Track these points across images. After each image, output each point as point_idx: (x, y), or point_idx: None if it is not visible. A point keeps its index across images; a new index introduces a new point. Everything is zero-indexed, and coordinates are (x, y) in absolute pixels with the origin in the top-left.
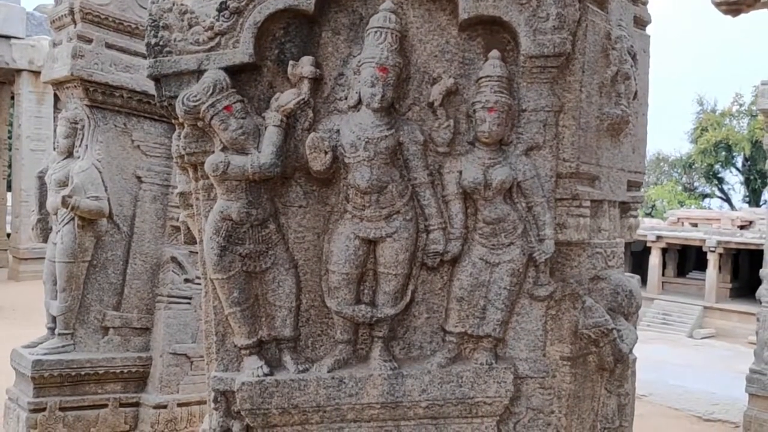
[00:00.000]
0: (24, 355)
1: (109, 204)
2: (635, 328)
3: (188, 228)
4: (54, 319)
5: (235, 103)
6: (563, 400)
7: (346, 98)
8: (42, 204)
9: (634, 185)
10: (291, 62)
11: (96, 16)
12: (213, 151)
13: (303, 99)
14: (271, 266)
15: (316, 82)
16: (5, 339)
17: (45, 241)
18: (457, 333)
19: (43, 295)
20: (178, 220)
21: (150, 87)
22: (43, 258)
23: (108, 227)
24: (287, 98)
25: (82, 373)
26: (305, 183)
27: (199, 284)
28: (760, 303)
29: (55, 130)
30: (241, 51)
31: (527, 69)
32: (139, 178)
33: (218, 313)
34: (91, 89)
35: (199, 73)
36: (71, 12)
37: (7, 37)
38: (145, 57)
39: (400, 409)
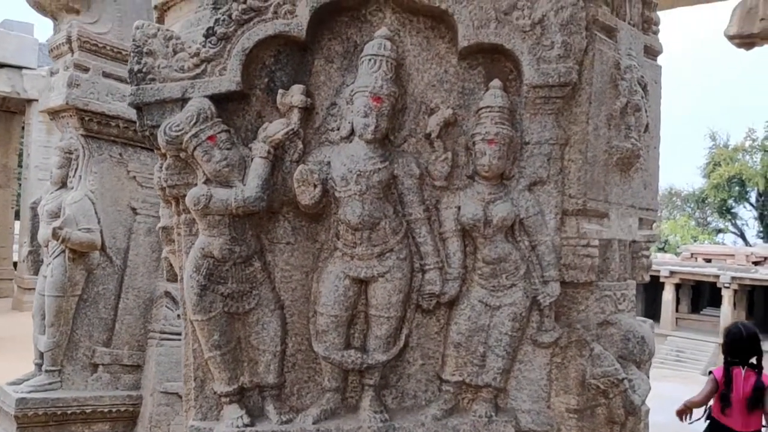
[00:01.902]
0: (8, 392)
1: (102, 236)
2: (648, 375)
3: (171, 265)
4: (41, 355)
5: (219, 133)
6: None
7: (338, 129)
8: (34, 235)
9: (645, 223)
10: (280, 91)
11: (94, 45)
12: (196, 184)
13: (292, 129)
14: (255, 307)
15: (307, 111)
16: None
17: (36, 273)
18: (455, 382)
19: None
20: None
21: None
22: None
23: (100, 260)
24: (275, 128)
25: (69, 412)
26: (294, 218)
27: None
28: None
29: None
30: (228, 79)
31: (530, 99)
32: (134, 209)
33: (198, 357)
34: (86, 119)
35: (183, 101)
36: (69, 40)
37: (19, 68)
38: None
39: None
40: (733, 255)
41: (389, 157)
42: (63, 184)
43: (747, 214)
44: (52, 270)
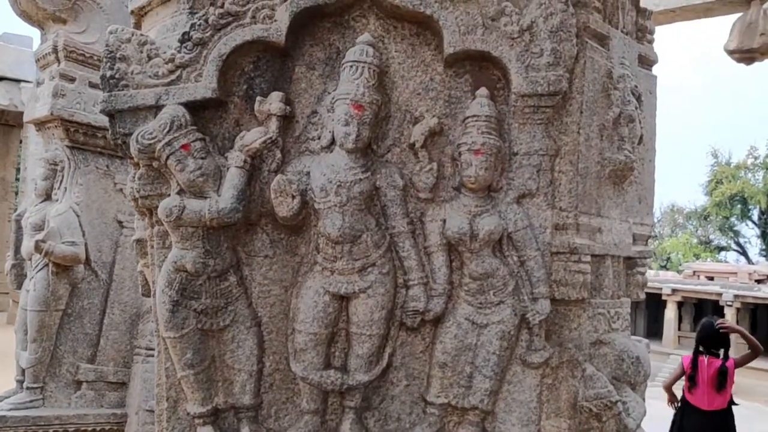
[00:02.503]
0: None
1: (87, 250)
2: (643, 398)
3: (146, 279)
4: (23, 371)
5: (194, 141)
6: None
7: (318, 138)
8: (17, 248)
9: (640, 238)
10: (259, 98)
11: (80, 55)
12: (169, 194)
13: (270, 138)
14: (231, 324)
15: (287, 120)
16: None
17: (19, 287)
18: (440, 404)
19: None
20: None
21: None
22: None
23: (85, 274)
24: (253, 137)
25: (50, 431)
26: (272, 230)
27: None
28: None
29: None
30: (204, 85)
31: (519, 109)
32: (120, 222)
33: (170, 376)
34: (72, 129)
35: (157, 108)
36: (55, 50)
37: (17, 81)
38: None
39: None
40: (735, 273)
41: (371, 168)
42: (48, 197)
43: (749, 231)
44: (35, 284)
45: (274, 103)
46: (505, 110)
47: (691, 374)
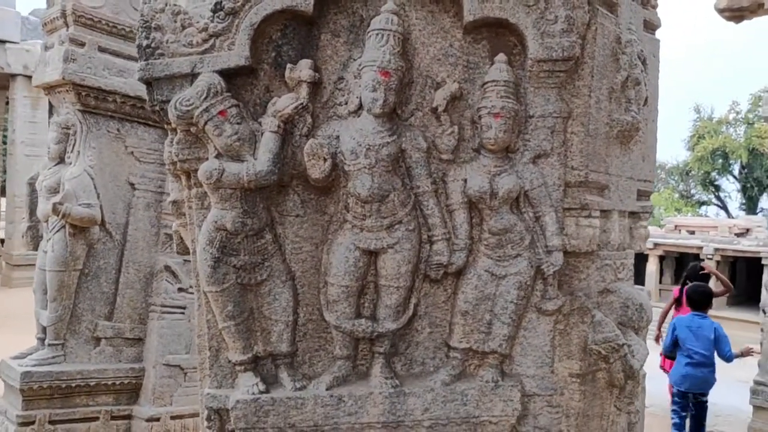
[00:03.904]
0: (12, 366)
1: (102, 211)
2: (645, 341)
3: (181, 238)
4: (44, 329)
5: (230, 107)
6: (572, 419)
7: (345, 103)
8: (33, 211)
9: (643, 194)
10: (289, 65)
11: (89, 19)
12: (207, 158)
13: (301, 104)
14: (267, 278)
15: (315, 86)
16: None
17: (36, 249)
18: (462, 349)
19: (33, 304)
20: (172, 228)
21: (145, 92)
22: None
23: (100, 235)
24: (285, 103)
25: (73, 385)
26: (303, 191)
27: (194, 294)
28: (764, 313)
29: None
30: (237, 53)
31: (535, 73)
32: (132, 185)
33: (212, 327)
34: (83, 94)
35: (192, 76)
36: (63, 14)
37: (2, 42)
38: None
39: (402, 429)
40: (716, 227)
41: (397, 131)
42: (61, 160)
43: (730, 186)
44: (53, 245)
45: (303, 70)
46: (522, 75)
47: (677, 298)
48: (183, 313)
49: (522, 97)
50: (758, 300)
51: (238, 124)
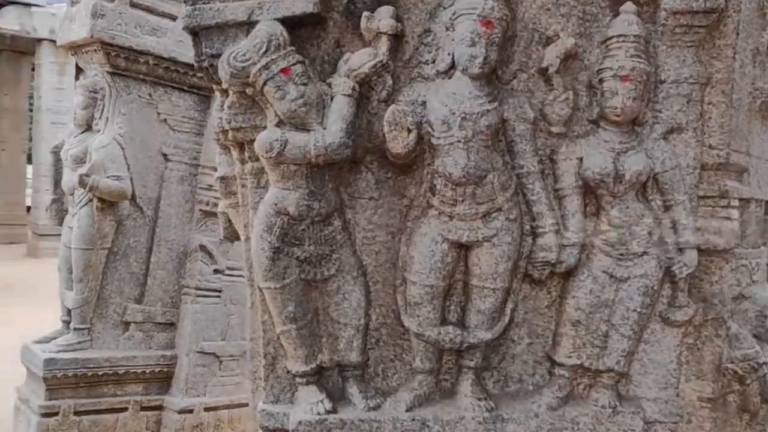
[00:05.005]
0: (35, 352)
1: (132, 185)
2: None
3: (229, 221)
4: (69, 311)
5: (294, 64)
6: None
7: (433, 61)
8: (57, 183)
9: None
10: (365, 14)
11: None
12: (265, 126)
13: (380, 61)
14: (336, 273)
15: (396, 39)
16: (17, 322)
17: (60, 223)
18: (570, 365)
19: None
20: (207, 204)
21: (179, 53)
22: None
23: (130, 210)
24: (360, 60)
25: (100, 373)
26: (378, 169)
27: (230, 275)
28: None
29: None
30: None
31: (669, 28)
32: (165, 155)
33: (268, 331)
34: (112, 54)
35: (248, 25)
36: None
37: (27, 5)
38: (173, 19)
39: None
40: None
41: (498, 97)
42: (88, 127)
43: None
44: (79, 220)
45: (384, 19)
46: (651, 30)
47: None
48: (219, 296)
49: (652, 57)
50: None
51: (303, 85)
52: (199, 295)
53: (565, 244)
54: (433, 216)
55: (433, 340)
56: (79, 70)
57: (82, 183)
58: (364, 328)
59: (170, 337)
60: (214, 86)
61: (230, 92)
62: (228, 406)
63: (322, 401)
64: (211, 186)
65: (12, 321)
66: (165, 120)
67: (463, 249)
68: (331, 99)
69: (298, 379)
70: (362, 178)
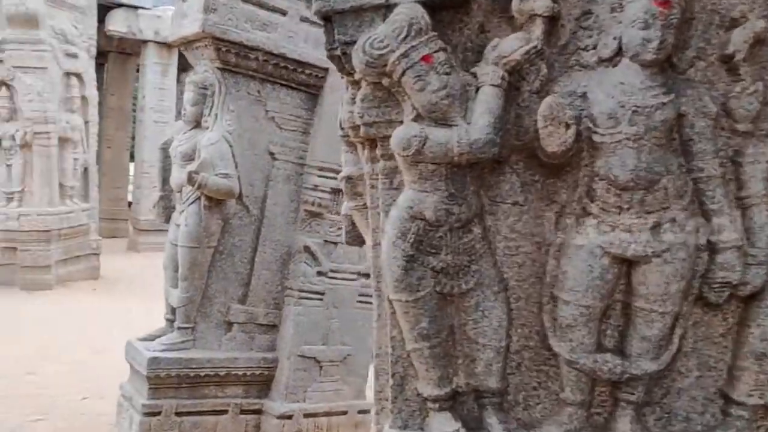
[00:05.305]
0: (140, 350)
1: (239, 183)
2: None
3: (352, 224)
4: (173, 310)
5: (437, 51)
6: None
7: (594, 47)
8: (165, 180)
9: None
10: None
11: None
12: (400, 122)
13: (535, 47)
14: (474, 287)
15: (551, 23)
16: (118, 314)
17: (167, 221)
18: (752, 405)
19: (160, 269)
20: (312, 204)
21: (289, 49)
22: (163, 230)
23: (237, 209)
24: (511, 46)
25: (202, 374)
26: (524, 170)
27: (333, 278)
28: None
29: (177, 101)
30: None
31: None
32: (272, 154)
33: (397, 348)
34: (223, 49)
35: (386, 8)
36: None
37: (135, 8)
38: (283, 14)
39: None
40: None
41: (674, 88)
42: (197, 123)
43: None
44: (186, 218)
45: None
46: None
47: None
48: (321, 299)
49: None
50: None
51: (446, 74)
52: (301, 297)
53: (750, 263)
54: (591, 225)
55: (587, 369)
56: (180, 71)
57: (190, 180)
58: (505, 351)
59: (271, 339)
60: (345, 78)
61: (363, 83)
62: (327, 414)
63: (458, 431)
64: (316, 186)
65: (115, 314)
66: (273, 118)
67: (625, 265)
68: (476, 90)
69: (429, 404)
70: (506, 180)
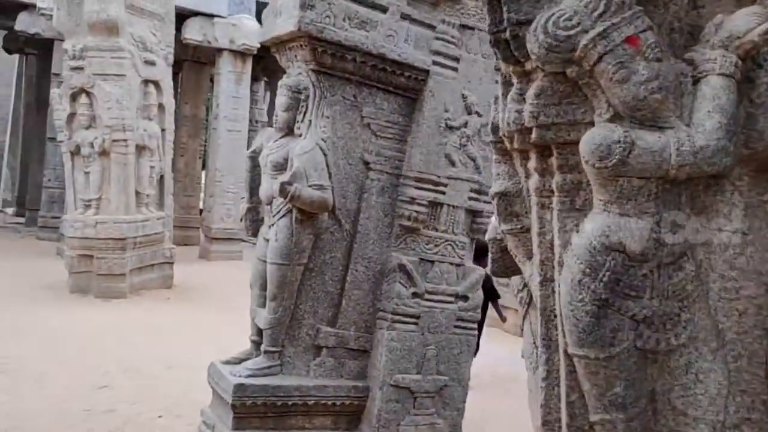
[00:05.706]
0: (225, 375)
1: (333, 195)
2: None
3: (502, 250)
4: (259, 331)
5: (644, 31)
6: None
7: None
8: (253, 190)
9: None
10: None
11: None
12: (588, 123)
13: None
14: (686, 343)
15: None
16: (191, 326)
17: (255, 234)
18: None
19: (232, 278)
20: (408, 218)
21: (389, 49)
22: (234, 239)
23: (329, 223)
24: (747, 23)
25: (290, 403)
26: (749, 188)
27: (429, 300)
28: None
29: (250, 111)
30: None
31: None
32: (366, 163)
33: (577, 417)
34: (319, 50)
35: None
36: None
37: (210, 16)
38: (384, 10)
39: None
40: None
41: None
42: (289, 130)
43: None
44: (277, 233)
45: None
46: None
47: None
48: (416, 323)
49: None
50: None
51: (657, 60)
52: (395, 321)
53: None
54: None
55: None
56: (253, 81)
57: (283, 192)
58: (722, 427)
59: (362, 365)
60: (510, 68)
61: (539, 75)
62: None
63: None
64: (413, 199)
65: (189, 326)
66: (368, 124)
67: None
68: (693, 82)
69: None
70: (725, 200)
